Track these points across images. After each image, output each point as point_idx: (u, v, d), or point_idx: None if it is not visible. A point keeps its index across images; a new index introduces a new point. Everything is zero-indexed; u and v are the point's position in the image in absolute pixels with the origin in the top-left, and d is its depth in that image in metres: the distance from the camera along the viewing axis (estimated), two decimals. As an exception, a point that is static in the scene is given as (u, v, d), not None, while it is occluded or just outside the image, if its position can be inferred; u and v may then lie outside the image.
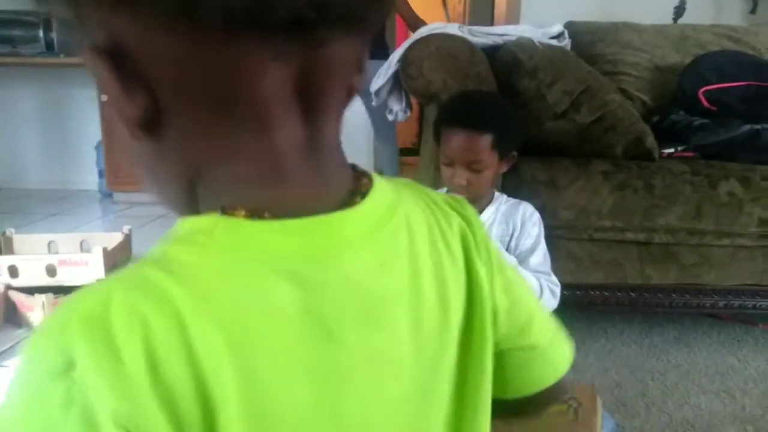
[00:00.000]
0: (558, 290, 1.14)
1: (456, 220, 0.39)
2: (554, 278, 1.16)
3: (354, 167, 0.36)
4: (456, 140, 1.11)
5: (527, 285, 0.47)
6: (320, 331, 0.30)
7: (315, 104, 0.31)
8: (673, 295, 1.48)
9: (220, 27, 0.25)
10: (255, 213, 0.30)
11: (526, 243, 1.16)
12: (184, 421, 0.26)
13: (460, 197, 0.43)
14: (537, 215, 1.19)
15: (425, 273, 0.35)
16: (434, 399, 0.37)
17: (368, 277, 0.33)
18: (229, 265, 0.29)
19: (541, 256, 1.16)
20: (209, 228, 0.30)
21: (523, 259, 1.16)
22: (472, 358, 0.38)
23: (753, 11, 3.82)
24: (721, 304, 1.49)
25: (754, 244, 1.43)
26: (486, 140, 1.09)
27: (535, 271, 1.14)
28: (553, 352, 0.46)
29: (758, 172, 1.41)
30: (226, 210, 0.30)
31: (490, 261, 0.40)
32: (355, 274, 0.32)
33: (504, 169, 1.18)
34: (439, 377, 0.37)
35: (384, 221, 0.34)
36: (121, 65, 0.28)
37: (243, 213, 0.30)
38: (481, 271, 0.39)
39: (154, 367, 0.26)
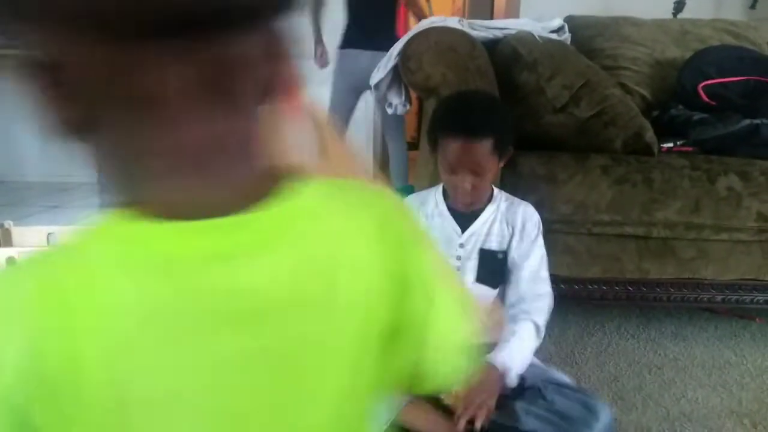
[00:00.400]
0: (551, 301, 1.15)
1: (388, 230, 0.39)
2: (548, 286, 1.15)
3: (279, 168, 0.36)
4: (455, 149, 1.08)
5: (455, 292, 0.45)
6: (182, 331, 0.32)
7: (221, 101, 0.31)
8: (671, 290, 1.49)
9: (112, 36, 0.27)
10: (158, 211, 0.31)
11: (524, 244, 1.15)
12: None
13: (384, 190, 0.43)
14: (537, 217, 1.18)
15: (341, 280, 0.36)
16: (314, 401, 0.37)
17: (262, 281, 0.33)
18: (84, 259, 0.32)
19: (537, 261, 1.15)
20: (106, 222, 0.33)
21: (520, 262, 1.15)
22: (379, 362, 0.39)
23: (753, 6, 3.82)
24: (719, 298, 1.49)
25: (752, 239, 1.43)
26: (486, 145, 1.07)
27: (528, 285, 1.14)
28: (446, 367, 0.44)
29: (757, 166, 1.41)
30: (136, 205, 0.32)
31: (414, 272, 0.39)
32: (245, 278, 0.33)
33: (502, 164, 1.18)
34: (327, 381, 0.37)
35: (291, 227, 0.34)
36: (48, 76, 0.30)
37: (148, 210, 0.32)
38: (401, 279, 0.38)
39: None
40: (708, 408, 1.22)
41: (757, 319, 1.69)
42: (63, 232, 1.99)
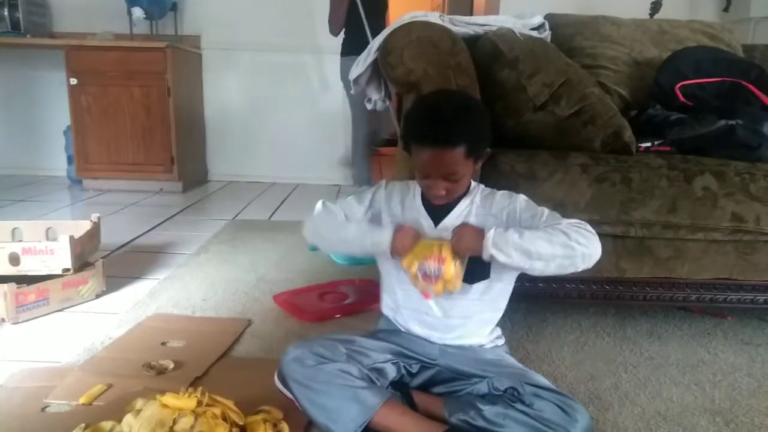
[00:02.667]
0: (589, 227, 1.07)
1: None
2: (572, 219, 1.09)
3: None
4: (428, 157, 1.06)
5: None
6: None
7: None
8: (647, 289, 1.50)
9: None
10: None
11: (525, 215, 1.13)
12: None
13: None
14: (514, 195, 1.17)
15: None
16: None
17: None
18: None
19: (547, 212, 1.12)
20: None
21: (532, 224, 1.11)
22: None
23: (726, 9, 3.89)
24: (694, 297, 1.51)
25: (726, 239, 1.45)
26: (458, 153, 1.05)
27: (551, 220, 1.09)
28: None
29: (732, 167, 1.42)
30: None
31: None
32: None
33: (479, 166, 1.16)
34: None
35: None
36: None
37: None
38: None
39: None
40: (682, 406, 1.23)
41: (729, 318, 1.71)
42: (28, 227, 1.92)
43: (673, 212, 1.40)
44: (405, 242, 1.08)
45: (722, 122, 1.52)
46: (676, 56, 1.82)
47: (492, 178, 1.34)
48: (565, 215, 1.38)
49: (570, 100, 1.42)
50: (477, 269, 1.10)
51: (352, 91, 1.83)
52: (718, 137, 1.51)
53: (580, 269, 1.04)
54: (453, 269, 1.03)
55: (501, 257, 1.02)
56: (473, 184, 1.20)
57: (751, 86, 1.66)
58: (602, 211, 1.40)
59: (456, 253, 1.04)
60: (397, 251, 1.08)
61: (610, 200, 1.39)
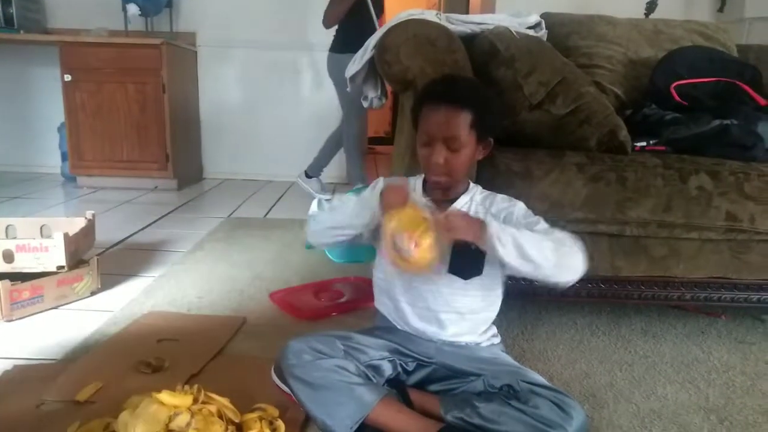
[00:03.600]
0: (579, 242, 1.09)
1: None
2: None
3: None
4: (436, 116, 1.11)
5: None
6: None
7: None
8: (642, 287, 1.51)
9: None
10: None
11: (519, 217, 1.15)
12: None
13: None
14: (515, 200, 1.20)
15: None
16: None
17: None
18: None
19: (544, 224, 1.13)
20: None
21: (524, 224, 1.14)
22: None
23: (720, 9, 3.91)
24: (688, 296, 1.51)
25: (720, 238, 1.46)
26: (465, 117, 1.09)
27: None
28: None
29: (727, 166, 1.43)
30: None
31: None
32: None
33: (480, 155, 1.17)
34: None
35: None
36: None
37: None
38: None
39: None
40: (677, 404, 1.24)
41: (723, 316, 1.72)
42: (23, 224, 1.91)
43: (668, 211, 1.41)
44: (392, 199, 1.07)
45: (717, 122, 1.53)
46: (672, 56, 1.83)
47: (488, 177, 1.34)
48: (561, 214, 1.40)
49: (566, 99, 1.42)
50: (469, 265, 1.08)
51: (348, 89, 1.83)
52: (713, 137, 1.52)
53: (562, 282, 1.06)
54: (426, 256, 0.98)
55: (499, 248, 1.01)
56: (471, 184, 1.21)
57: (745, 86, 1.67)
58: (598, 209, 1.40)
59: (438, 238, 0.99)
60: (384, 207, 1.07)
61: (605, 199, 1.40)
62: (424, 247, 0.98)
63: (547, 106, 1.43)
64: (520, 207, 1.18)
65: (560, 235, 1.08)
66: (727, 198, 1.41)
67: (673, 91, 1.72)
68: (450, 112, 1.10)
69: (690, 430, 1.09)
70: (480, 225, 1.02)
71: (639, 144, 1.57)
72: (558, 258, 1.04)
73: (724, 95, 1.67)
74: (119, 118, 3.52)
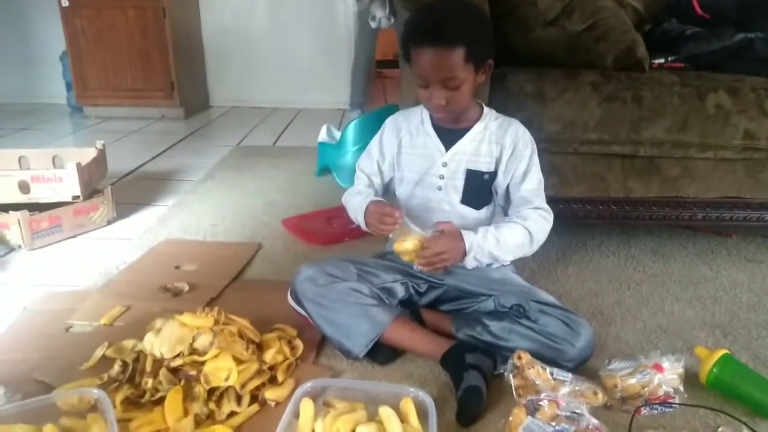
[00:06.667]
0: (550, 217, 1.14)
1: None
2: (545, 204, 1.15)
3: None
4: (426, 59, 1.03)
5: None
6: None
7: None
8: (654, 208, 1.50)
9: None
10: None
11: (520, 166, 1.14)
12: None
13: None
14: (528, 135, 1.16)
15: None
16: None
17: None
18: None
19: (535, 181, 1.14)
20: None
21: (516, 184, 1.14)
22: None
23: None
24: (700, 216, 1.51)
25: (736, 157, 1.43)
26: (458, 54, 1.02)
27: (526, 200, 1.13)
28: None
29: (747, 82, 1.38)
30: None
31: None
32: None
33: (482, 79, 1.12)
34: None
35: None
36: None
37: None
38: None
39: None
40: (683, 320, 1.27)
41: (734, 236, 1.73)
42: (35, 155, 1.92)
43: (683, 130, 1.38)
44: (378, 230, 1.12)
45: (740, 35, 1.47)
46: (695, -35, 1.72)
47: (500, 99, 1.31)
48: (574, 135, 1.38)
49: (582, 14, 1.36)
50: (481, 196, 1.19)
51: (355, 9, 1.76)
52: (735, 52, 1.46)
53: None
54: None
55: (476, 264, 1.11)
56: (485, 109, 1.18)
57: (774, -4, 1.58)
58: (612, 130, 1.38)
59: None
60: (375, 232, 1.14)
61: (620, 119, 1.37)
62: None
63: (563, 22, 1.37)
64: (529, 152, 1.15)
65: (533, 219, 1.12)
66: (745, 116, 1.38)
67: (695, 4, 1.64)
68: (440, 53, 1.02)
69: (695, 344, 1.12)
70: (461, 254, 1.08)
71: (657, 61, 1.52)
72: (528, 249, 1.13)
73: (750, 6, 1.59)
74: (121, 45, 3.44)
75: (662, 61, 1.53)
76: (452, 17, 1.03)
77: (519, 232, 1.10)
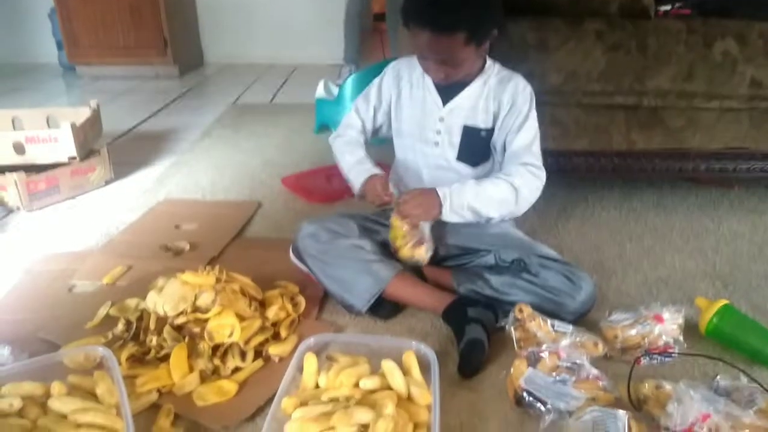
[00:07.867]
0: (541, 174, 1.10)
1: None
2: (538, 162, 1.10)
3: None
4: (424, 41, 1.00)
5: None
6: None
7: None
8: (656, 160, 1.48)
9: None
10: None
11: (516, 121, 1.11)
12: None
13: None
14: (529, 90, 1.13)
15: None
16: None
17: None
18: None
19: (530, 136, 1.11)
20: None
21: (510, 140, 1.11)
22: None
23: None
24: (703, 167, 1.50)
25: (742, 107, 1.41)
26: (458, 39, 0.98)
27: (517, 155, 1.09)
28: None
29: (756, 28, 1.34)
30: None
31: None
32: None
33: (486, 48, 1.07)
34: None
35: None
36: None
37: None
38: None
39: None
40: (684, 272, 1.27)
41: (736, 187, 1.72)
42: (28, 115, 1.88)
43: (689, 80, 1.35)
44: (371, 199, 1.13)
45: (750, -21, 1.42)
46: None
47: (501, 50, 1.27)
48: (576, 86, 1.36)
49: (587, -42, 1.31)
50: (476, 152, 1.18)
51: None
52: (744, -4, 1.41)
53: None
54: (406, 256, 1.09)
55: (457, 219, 1.07)
56: (488, 62, 1.14)
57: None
58: (615, 80, 1.35)
59: (414, 234, 1.08)
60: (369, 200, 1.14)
61: (624, 69, 1.34)
62: (403, 251, 1.09)
63: (567, -32, 1.32)
64: (526, 110, 1.11)
65: (521, 175, 1.08)
66: (753, 63, 1.34)
67: (704, -53, 1.58)
68: (439, 38, 0.98)
69: (695, 295, 1.13)
70: (437, 206, 1.05)
71: (663, 8, 1.48)
72: (514, 207, 1.09)
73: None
74: (110, 0, 3.34)
75: (668, 8, 1.49)
76: (452, 2, 0.96)
77: (502, 187, 1.06)
